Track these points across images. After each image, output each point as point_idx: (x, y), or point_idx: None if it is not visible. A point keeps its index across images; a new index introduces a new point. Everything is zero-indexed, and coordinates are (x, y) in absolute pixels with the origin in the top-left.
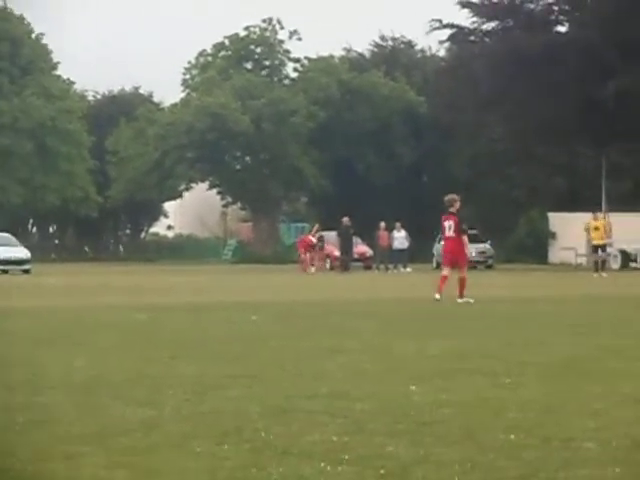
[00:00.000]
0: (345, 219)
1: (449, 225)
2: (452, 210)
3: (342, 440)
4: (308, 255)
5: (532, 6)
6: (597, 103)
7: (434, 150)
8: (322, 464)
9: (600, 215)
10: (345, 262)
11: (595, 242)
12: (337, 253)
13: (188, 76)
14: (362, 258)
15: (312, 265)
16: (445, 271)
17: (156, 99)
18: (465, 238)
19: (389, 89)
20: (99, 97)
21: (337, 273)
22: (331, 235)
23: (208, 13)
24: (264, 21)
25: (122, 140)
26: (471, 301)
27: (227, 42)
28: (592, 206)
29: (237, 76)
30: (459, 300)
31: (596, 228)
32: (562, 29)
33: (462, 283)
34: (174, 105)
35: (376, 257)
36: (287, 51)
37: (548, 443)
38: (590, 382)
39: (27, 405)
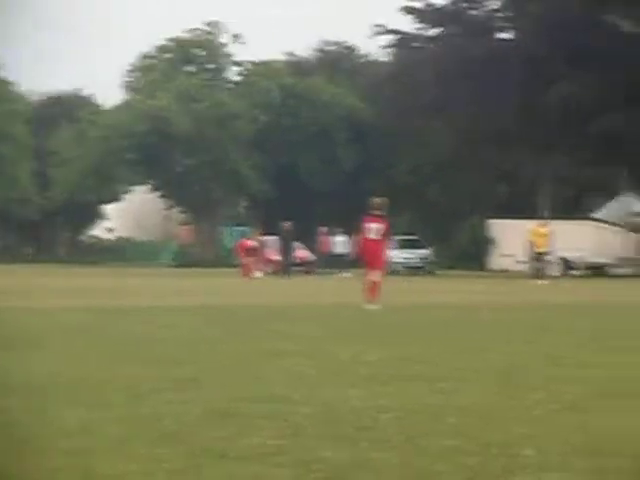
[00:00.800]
0: (286, 224)
1: (377, 228)
2: (382, 213)
3: (279, 443)
4: (248, 259)
5: (476, 12)
6: (540, 110)
7: (376, 156)
8: (258, 467)
9: (546, 222)
10: (285, 266)
11: (539, 249)
12: (277, 257)
13: (130, 78)
14: (303, 263)
15: (256, 270)
16: (369, 275)
17: (98, 101)
18: (387, 243)
19: (331, 94)
20: (41, 98)
21: (278, 277)
22: (272, 239)
23: (151, 15)
24: (207, 24)
25: (63, 141)
26: (377, 308)
27: (170, 44)
28: (532, 213)
29: (180, 79)
30: (371, 307)
31: (542, 235)
32: (506, 36)
33: (377, 287)
34: (116, 107)
35: (317, 262)
36: (230, 54)
37: (487, 449)
38: (529, 389)
39: None
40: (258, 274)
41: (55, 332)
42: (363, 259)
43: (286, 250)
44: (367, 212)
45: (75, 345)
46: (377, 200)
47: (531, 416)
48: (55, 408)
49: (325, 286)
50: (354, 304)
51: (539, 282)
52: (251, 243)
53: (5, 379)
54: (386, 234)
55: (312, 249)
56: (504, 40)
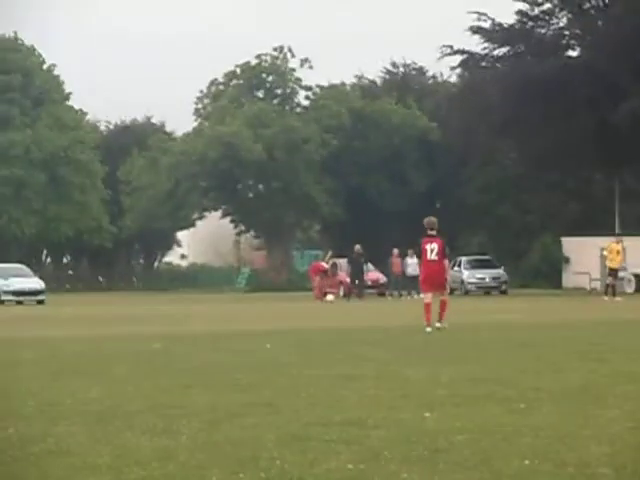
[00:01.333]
0: (357, 247)
1: (431, 248)
2: (433, 233)
3: (358, 468)
4: (321, 282)
5: (543, 31)
6: (609, 127)
7: (447, 176)
8: None
9: (619, 239)
10: (358, 289)
11: (613, 265)
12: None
13: (200, 105)
14: (375, 285)
15: (330, 293)
16: (427, 298)
17: (168, 129)
18: (446, 262)
19: (401, 116)
20: (111, 127)
21: (350, 300)
22: (344, 262)
23: (219, 42)
24: (275, 49)
25: (135, 170)
26: (446, 326)
27: (238, 71)
28: (605, 230)
29: (249, 104)
30: (438, 324)
31: (618, 252)
32: (574, 53)
33: (444, 306)
34: (186, 134)
35: (390, 284)
36: (298, 79)
37: (563, 469)
38: (604, 407)
39: (42, 435)
40: (330, 297)
41: (128, 359)
42: (426, 281)
43: (356, 273)
44: (423, 234)
45: (148, 372)
46: (430, 219)
47: (607, 435)
48: (129, 436)
49: (397, 308)
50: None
51: (615, 299)
52: (323, 266)
53: (73, 407)
54: (440, 253)
55: (384, 271)
56: (572, 58)
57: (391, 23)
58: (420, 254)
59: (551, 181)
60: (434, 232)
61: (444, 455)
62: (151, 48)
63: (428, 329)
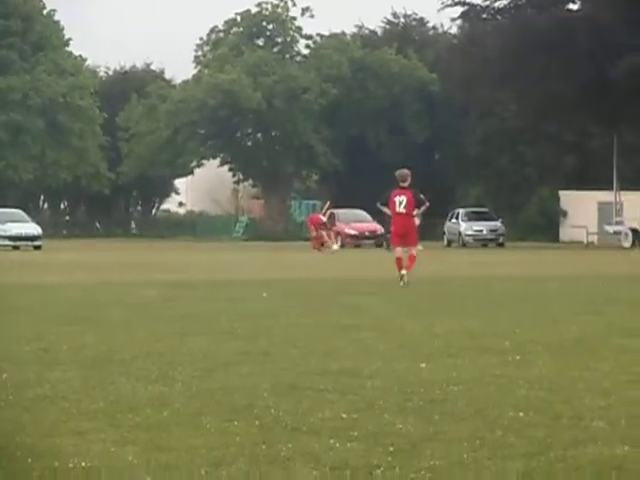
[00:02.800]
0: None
1: (400, 200)
2: (404, 185)
3: (351, 417)
4: (321, 232)
5: None
6: (608, 81)
7: (446, 128)
8: (331, 441)
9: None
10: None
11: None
12: (349, 231)
13: (200, 53)
14: (373, 236)
15: (331, 242)
16: (397, 252)
17: (168, 76)
18: (422, 209)
19: (401, 66)
20: (111, 74)
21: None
22: (342, 212)
23: None
24: None
25: (134, 117)
26: (408, 280)
27: (239, 18)
28: (603, 184)
29: (249, 53)
30: (403, 272)
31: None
32: (574, 6)
33: (411, 260)
34: (185, 82)
35: (387, 234)
36: (299, 28)
37: (557, 421)
38: (600, 360)
39: (37, 381)
40: (335, 247)
41: (123, 306)
42: (395, 235)
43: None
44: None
45: (144, 319)
46: (402, 171)
47: (601, 388)
48: (124, 382)
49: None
50: (423, 278)
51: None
52: (321, 219)
53: (68, 353)
54: (409, 206)
55: (381, 222)
56: (572, 11)
57: None
58: (388, 206)
59: (550, 134)
60: (405, 184)
61: (439, 406)
62: None
63: (403, 271)
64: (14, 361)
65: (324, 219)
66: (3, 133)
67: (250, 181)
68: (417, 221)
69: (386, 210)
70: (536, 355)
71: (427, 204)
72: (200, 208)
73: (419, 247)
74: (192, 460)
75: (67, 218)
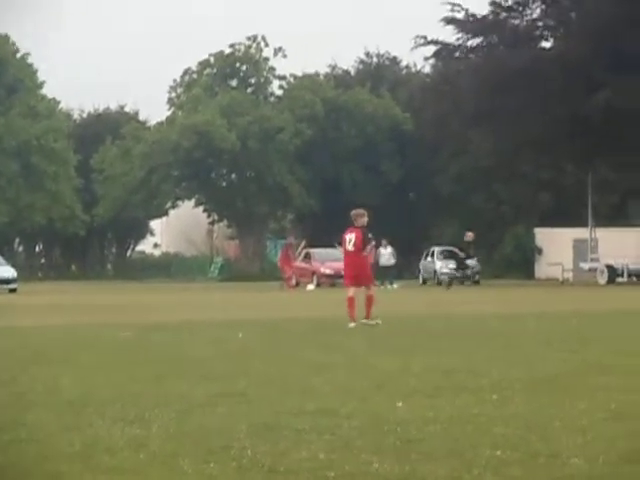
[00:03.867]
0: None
1: (349, 238)
2: (357, 224)
3: (328, 457)
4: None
5: (517, 22)
6: (583, 118)
7: (420, 167)
8: None
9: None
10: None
11: None
12: (325, 270)
13: (173, 94)
14: None
15: (306, 282)
16: (350, 291)
17: (142, 117)
18: (368, 249)
19: (374, 106)
20: (84, 116)
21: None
22: (318, 252)
23: (193, 31)
24: (249, 38)
25: (108, 158)
26: (379, 322)
27: (212, 60)
28: (578, 221)
29: (222, 94)
30: (363, 320)
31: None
32: (547, 44)
33: (369, 301)
34: (160, 123)
35: None
36: (272, 68)
37: (534, 459)
38: (576, 398)
39: (12, 424)
40: (311, 286)
41: (99, 348)
42: (346, 274)
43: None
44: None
45: (120, 361)
46: (356, 211)
47: (578, 425)
48: (100, 425)
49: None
50: (398, 316)
51: None
52: (289, 257)
53: (44, 396)
54: (358, 244)
55: None
56: (545, 49)
57: (365, 13)
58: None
59: (524, 172)
60: (356, 223)
61: (416, 445)
62: (125, 36)
63: (351, 324)
64: None
65: (292, 260)
66: None
67: (225, 221)
68: (371, 259)
69: (341, 249)
70: (513, 393)
71: (373, 244)
72: (175, 249)
73: (395, 286)
74: None
75: (42, 261)
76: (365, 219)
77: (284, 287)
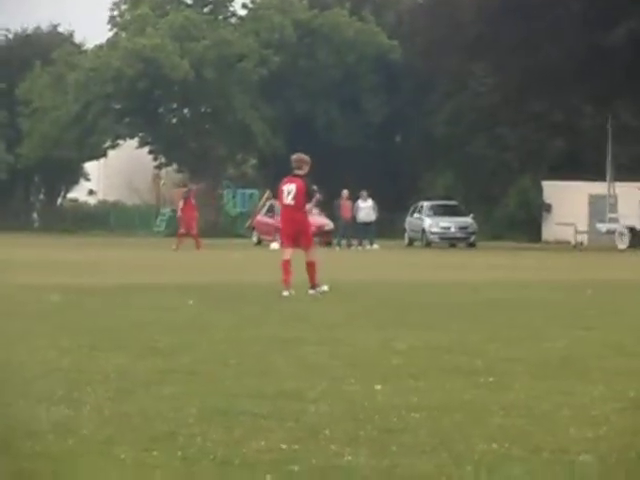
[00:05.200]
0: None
1: (288, 190)
2: (299, 172)
3: (292, 448)
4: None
5: None
6: (603, 51)
7: (409, 104)
8: (268, 476)
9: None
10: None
11: None
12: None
13: (116, 12)
14: (320, 232)
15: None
16: (286, 254)
17: (78, 40)
18: (310, 206)
19: (355, 31)
20: (10, 37)
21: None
22: None
23: None
24: None
25: (37, 88)
26: (326, 289)
27: None
28: (594, 174)
29: (174, 13)
30: (311, 291)
31: None
32: None
33: (312, 268)
34: (99, 47)
35: (337, 231)
36: None
37: (537, 454)
38: (588, 383)
39: None
40: (274, 245)
41: (22, 315)
42: (284, 232)
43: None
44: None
45: (45, 330)
46: (298, 156)
47: (589, 416)
48: (22, 405)
49: (346, 260)
50: (381, 281)
51: None
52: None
53: None
54: (299, 196)
55: (331, 216)
56: None
57: None
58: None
59: (532, 113)
60: (301, 172)
61: (397, 436)
62: None
63: (285, 293)
64: None
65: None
66: None
67: (174, 166)
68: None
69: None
70: (513, 377)
71: (318, 197)
72: (115, 197)
73: (375, 246)
74: None
75: None
76: (307, 168)
77: (178, 245)
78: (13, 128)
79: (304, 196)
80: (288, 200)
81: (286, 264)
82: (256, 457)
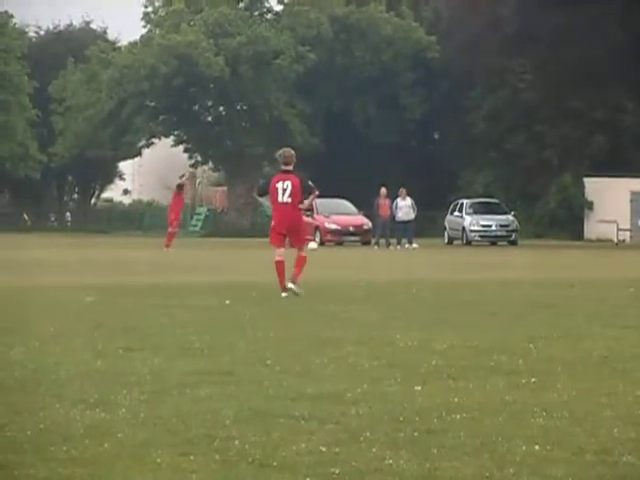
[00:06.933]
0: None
1: (284, 188)
2: (289, 168)
3: (332, 451)
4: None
5: None
6: None
7: (447, 101)
8: (308, 479)
9: None
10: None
11: None
12: (330, 225)
13: (150, 9)
14: (359, 231)
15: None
16: (278, 254)
17: (111, 37)
18: (308, 202)
19: (393, 27)
20: (42, 34)
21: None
22: (322, 203)
23: None
24: None
25: (70, 86)
26: (302, 292)
27: None
28: (637, 170)
29: (209, 9)
30: (290, 285)
31: None
32: None
33: (301, 263)
34: (133, 44)
35: (376, 230)
36: None
37: (580, 456)
38: (630, 383)
39: None
40: (313, 244)
41: (56, 315)
42: (277, 231)
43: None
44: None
45: (81, 331)
46: (286, 151)
47: (632, 417)
48: (57, 407)
49: (385, 259)
50: (420, 281)
51: None
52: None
53: (0, 371)
54: (295, 194)
55: (369, 215)
56: None
57: None
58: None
59: (573, 109)
60: (290, 167)
61: (438, 437)
62: None
63: (284, 294)
64: None
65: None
66: None
67: (210, 164)
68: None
69: (264, 201)
70: (554, 377)
71: (317, 193)
72: (149, 197)
73: (414, 245)
74: None
75: None
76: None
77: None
78: (46, 127)
79: (301, 193)
80: (284, 198)
81: (280, 265)
82: (295, 460)
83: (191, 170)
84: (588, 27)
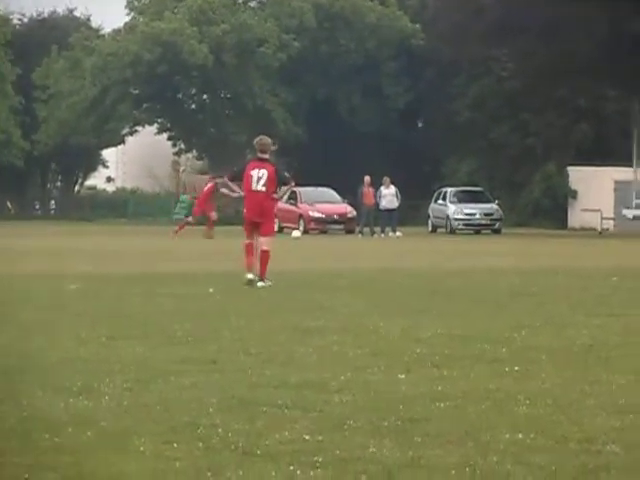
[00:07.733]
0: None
1: (259, 176)
2: (265, 157)
3: (315, 439)
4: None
5: None
6: (629, 35)
7: (432, 90)
8: (291, 467)
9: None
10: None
11: None
12: (313, 213)
13: None
14: (343, 220)
15: (291, 228)
16: (249, 237)
17: (95, 24)
18: (282, 192)
19: (377, 15)
20: (26, 21)
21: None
22: (306, 191)
23: None
24: None
25: (53, 73)
26: (270, 284)
27: None
28: (620, 159)
29: None
30: (260, 284)
31: None
32: None
33: (265, 258)
34: (116, 31)
35: (360, 218)
36: None
37: (563, 444)
38: (614, 372)
39: None
40: (296, 233)
41: (40, 304)
42: (248, 218)
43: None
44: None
45: (64, 319)
46: (262, 139)
47: (616, 405)
48: (40, 395)
49: (368, 247)
50: (404, 269)
51: None
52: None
53: None
54: (271, 183)
55: (353, 203)
56: None
57: None
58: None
59: (557, 98)
60: (266, 156)
61: (421, 426)
62: None
63: (249, 275)
64: None
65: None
66: None
67: (194, 152)
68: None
69: (235, 188)
70: (538, 365)
71: (293, 184)
72: (133, 184)
73: (398, 233)
74: None
75: None
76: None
77: (208, 233)
78: (29, 114)
79: (275, 183)
80: (258, 186)
81: (248, 247)
82: (279, 448)
83: (175, 158)
84: (571, 17)
